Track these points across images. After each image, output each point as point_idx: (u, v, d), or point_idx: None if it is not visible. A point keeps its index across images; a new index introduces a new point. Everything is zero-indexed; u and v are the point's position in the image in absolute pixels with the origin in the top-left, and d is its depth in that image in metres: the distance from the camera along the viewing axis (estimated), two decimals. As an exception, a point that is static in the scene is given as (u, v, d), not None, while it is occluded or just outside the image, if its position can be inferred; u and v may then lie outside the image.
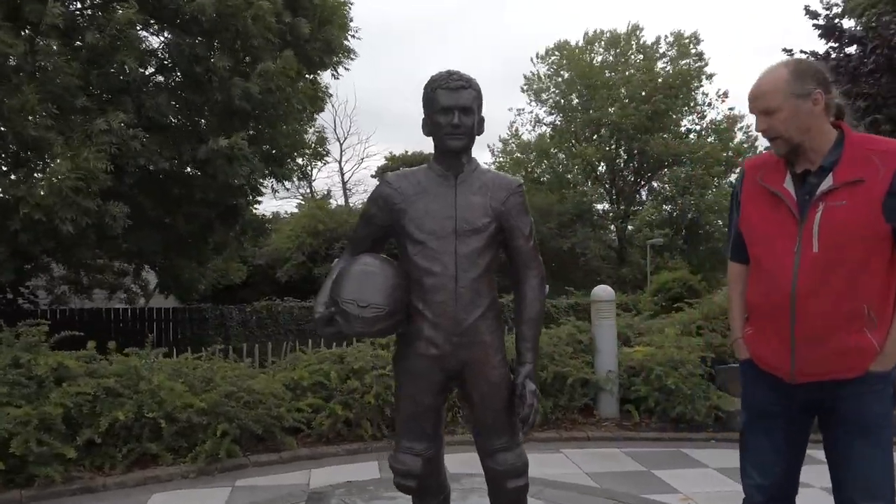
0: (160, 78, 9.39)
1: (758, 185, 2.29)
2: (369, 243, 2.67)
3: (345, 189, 36.64)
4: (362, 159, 58.67)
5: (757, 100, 2.18)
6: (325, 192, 34.02)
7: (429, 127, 2.54)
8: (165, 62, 9.37)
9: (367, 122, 57.46)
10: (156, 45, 9.26)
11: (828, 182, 2.12)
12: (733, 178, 30.65)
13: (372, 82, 53.05)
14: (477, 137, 2.55)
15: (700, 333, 6.56)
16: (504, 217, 2.53)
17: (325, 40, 10.17)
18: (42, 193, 6.41)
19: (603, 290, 6.05)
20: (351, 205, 30.67)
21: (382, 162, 35.48)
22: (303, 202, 29.32)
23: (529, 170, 31.13)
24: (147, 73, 8.81)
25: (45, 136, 6.68)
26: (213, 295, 19.15)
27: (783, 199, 2.19)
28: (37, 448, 4.12)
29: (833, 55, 10.03)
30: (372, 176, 40.80)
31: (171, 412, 4.62)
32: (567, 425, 5.63)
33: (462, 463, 4.18)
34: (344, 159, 36.43)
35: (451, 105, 2.45)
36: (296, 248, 22.92)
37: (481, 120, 2.56)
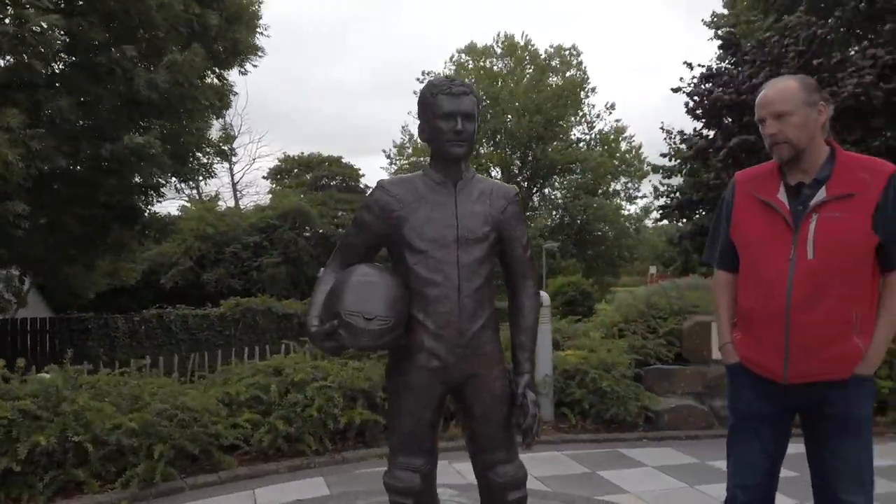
0: (50, 69, 8.61)
1: (751, 196, 2.40)
2: (363, 251, 2.57)
3: (235, 190, 35.21)
4: (254, 160, 56.29)
5: (772, 104, 2.29)
6: (213, 194, 32.48)
7: (428, 132, 2.48)
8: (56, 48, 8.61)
9: (260, 121, 55.62)
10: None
11: (821, 194, 2.26)
12: (616, 185, 32.41)
13: (266, 80, 51.52)
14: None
15: (623, 336, 6.80)
16: (503, 226, 2.51)
17: (233, 38, 9.75)
18: None
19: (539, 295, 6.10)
20: (242, 207, 29.51)
21: (275, 163, 34.45)
22: (188, 204, 27.86)
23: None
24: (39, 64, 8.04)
25: None
26: (91, 303, 17.80)
27: (777, 209, 2.31)
28: (-55, 482, 3.65)
29: (727, 68, 10.65)
30: (263, 177, 39.45)
31: (99, 434, 4.22)
32: (506, 430, 5.64)
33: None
34: (234, 159, 34.95)
35: (453, 111, 2.40)
36: (182, 252, 21.83)
37: (477, 128, 2.53)
